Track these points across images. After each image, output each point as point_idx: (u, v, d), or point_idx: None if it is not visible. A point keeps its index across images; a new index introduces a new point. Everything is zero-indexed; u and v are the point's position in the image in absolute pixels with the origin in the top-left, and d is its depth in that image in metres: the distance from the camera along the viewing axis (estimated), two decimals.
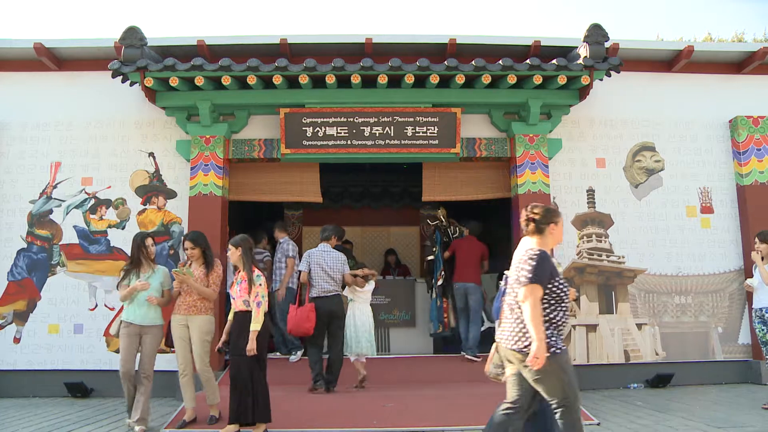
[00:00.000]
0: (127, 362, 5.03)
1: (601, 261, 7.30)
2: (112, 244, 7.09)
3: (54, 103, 7.40)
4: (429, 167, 7.57)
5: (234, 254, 4.99)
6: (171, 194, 7.23)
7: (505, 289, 3.63)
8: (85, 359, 6.86)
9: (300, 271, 6.38)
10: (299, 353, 7.08)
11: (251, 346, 4.69)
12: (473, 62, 6.58)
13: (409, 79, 6.71)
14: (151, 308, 5.14)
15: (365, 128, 7.11)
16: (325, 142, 7.11)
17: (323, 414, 5.33)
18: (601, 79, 6.98)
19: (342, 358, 6.23)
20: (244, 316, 4.84)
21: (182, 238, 6.00)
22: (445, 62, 6.60)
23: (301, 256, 6.96)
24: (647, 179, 7.55)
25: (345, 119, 7.10)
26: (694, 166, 7.62)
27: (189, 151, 7.15)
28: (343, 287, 6.41)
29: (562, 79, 6.74)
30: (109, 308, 6.95)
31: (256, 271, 4.91)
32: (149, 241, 5.31)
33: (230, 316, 5.07)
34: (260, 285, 4.84)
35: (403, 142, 7.12)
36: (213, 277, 5.24)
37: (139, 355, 5.14)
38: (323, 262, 6.24)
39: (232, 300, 5.03)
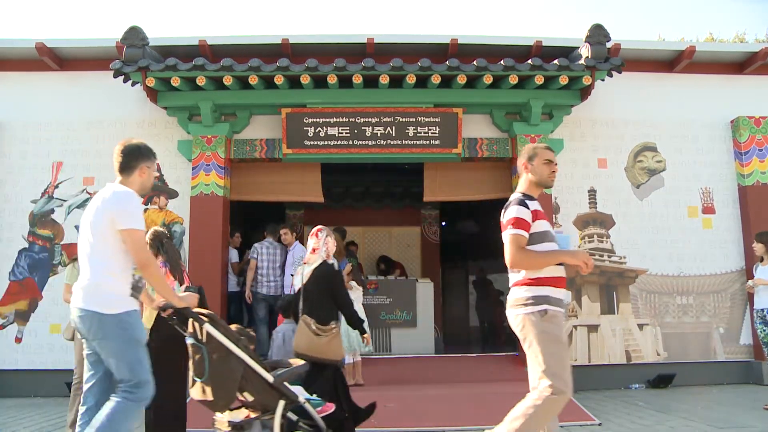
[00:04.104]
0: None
1: (602, 261, 7.30)
2: None
3: (56, 102, 7.41)
4: (430, 167, 7.57)
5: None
6: (172, 194, 7.23)
7: None
8: None
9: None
10: None
11: None
12: (475, 62, 6.58)
13: (411, 79, 6.71)
14: None
15: (367, 128, 7.11)
16: (326, 142, 7.11)
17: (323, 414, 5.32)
18: (603, 80, 6.99)
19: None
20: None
21: None
22: (447, 62, 6.60)
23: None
24: (649, 179, 7.54)
25: (346, 119, 7.10)
26: (695, 167, 7.62)
27: (190, 151, 7.15)
28: None
29: (563, 80, 6.73)
30: None
31: None
32: None
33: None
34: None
35: (404, 142, 7.12)
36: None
37: None
38: None
39: None
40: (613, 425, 5.02)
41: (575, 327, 7.16)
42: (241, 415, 3.30)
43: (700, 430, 4.78)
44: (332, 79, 6.69)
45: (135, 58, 6.52)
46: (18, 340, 6.94)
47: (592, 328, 7.17)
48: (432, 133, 7.12)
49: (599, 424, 5.03)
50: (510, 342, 8.58)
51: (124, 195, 3.07)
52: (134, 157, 3.25)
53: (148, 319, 4.19)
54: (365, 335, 4.58)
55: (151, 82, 6.61)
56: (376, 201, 11.08)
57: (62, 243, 7.11)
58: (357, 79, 6.70)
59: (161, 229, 4.57)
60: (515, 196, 3.26)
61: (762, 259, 6.00)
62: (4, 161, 7.29)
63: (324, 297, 4.32)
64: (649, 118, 7.65)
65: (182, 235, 7.06)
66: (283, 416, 3.27)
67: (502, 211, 3.22)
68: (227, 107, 7.14)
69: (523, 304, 3.03)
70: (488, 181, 7.57)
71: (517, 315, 3.05)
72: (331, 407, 3.63)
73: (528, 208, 3.11)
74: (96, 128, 7.35)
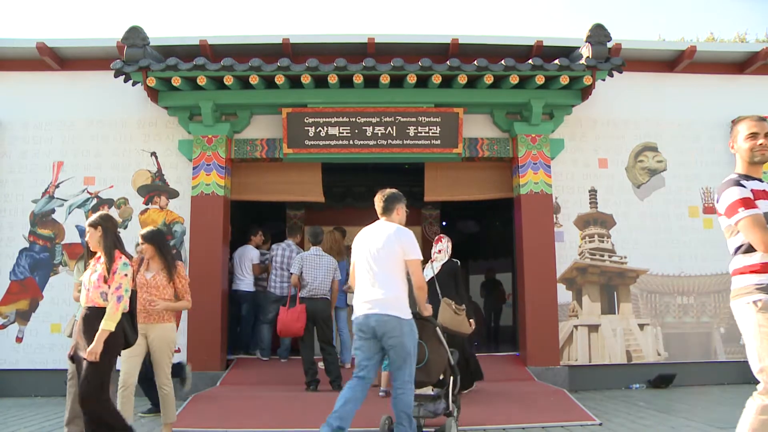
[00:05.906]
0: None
1: (603, 261, 7.29)
2: None
3: (56, 102, 7.41)
4: (431, 167, 7.57)
5: (93, 236, 3.97)
6: (173, 194, 7.23)
7: None
8: None
9: (291, 274, 6.48)
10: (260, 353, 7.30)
11: (96, 348, 3.64)
12: (475, 62, 6.58)
13: (412, 79, 6.71)
14: None
15: (367, 128, 7.11)
16: (327, 142, 7.11)
17: (324, 414, 5.31)
18: (604, 80, 6.98)
19: (336, 356, 6.33)
20: (99, 313, 3.78)
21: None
22: (448, 62, 6.60)
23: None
24: (649, 179, 7.54)
25: (347, 119, 7.10)
26: (696, 167, 7.61)
27: (191, 151, 7.15)
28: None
29: (564, 80, 6.73)
30: None
31: (123, 258, 3.92)
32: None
33: (78, 314, 4.06)
34: (125, 275, 3.84)
35: (405, 142, 7.12)
36: (181, 283, 4.61)
37: None
38: (315, 266, 6.35)
39: (85, 291, 3.97)
40: (613, 425, 5.02)
41: (576, 327, 7.16)
42: (428, 389, 4.38)
43: (701, 430, 4.78)
44: (333, 79, 6.69)
45: (136, 57, 6.52)
46: (19, 339, 6.95)
47: (593, 328, 7.17)
48: (433, 132, 7.12)
49: (600, 424, 5.02)
50: (510, 342, 8.58)
51: (408, 232, 4.06)
52: (392, 201, 4.21)
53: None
54: (471, 320, 5.51)
55: (151, 81, 6.61)
56: None
57: (63, 243, 7.11)
58: (358, 79, 6.70)
59: (107, 215, 4.14)
60: (729, 177, 2.90)
61: None
62: (5, 161, 7.29)
63: (452, 284, 5.71)
64: (650, 117, 7.64)
65: (183, 234, 7.07)
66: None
67: (714, 196, 2.97)
68: (228, 107, 7.14)
69: (744, 293, 2.81)
70: (489, 181, 7.57)
71: (738, 305, 2.85)
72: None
73: (745, 187, 2.79)
74: (97, 128, 7.35)
